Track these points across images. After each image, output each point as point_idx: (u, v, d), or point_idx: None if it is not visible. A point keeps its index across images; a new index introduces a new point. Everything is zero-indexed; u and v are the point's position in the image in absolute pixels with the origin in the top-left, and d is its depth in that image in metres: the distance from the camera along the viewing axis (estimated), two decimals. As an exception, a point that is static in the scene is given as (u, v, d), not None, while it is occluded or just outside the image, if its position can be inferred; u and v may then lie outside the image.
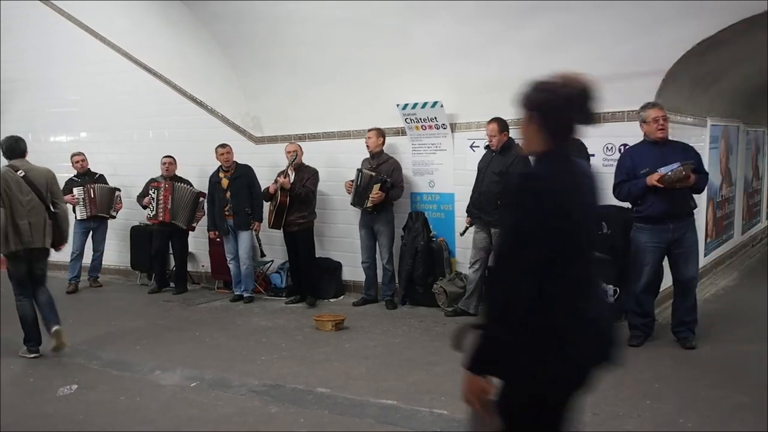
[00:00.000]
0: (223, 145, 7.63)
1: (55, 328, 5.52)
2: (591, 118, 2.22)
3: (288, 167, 7.25)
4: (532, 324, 2.10)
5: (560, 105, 2.20)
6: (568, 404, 2.27)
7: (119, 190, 8.67)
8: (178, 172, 8.28)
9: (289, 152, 7.30)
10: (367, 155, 7.14)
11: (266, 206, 7.56)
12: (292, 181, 7.19)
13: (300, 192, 7.14)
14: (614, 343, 2.30)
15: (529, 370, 2.15)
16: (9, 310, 6.01)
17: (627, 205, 5.63)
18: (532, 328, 2.11)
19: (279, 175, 7.32)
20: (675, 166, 5.06)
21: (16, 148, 5.66)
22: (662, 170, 5.08)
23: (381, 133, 7.11)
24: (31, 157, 10.04)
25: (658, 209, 5.21)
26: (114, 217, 8.73)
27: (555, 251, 2.10)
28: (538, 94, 2.25)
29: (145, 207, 8.22)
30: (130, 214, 8.88)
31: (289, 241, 7.46)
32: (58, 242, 5.67)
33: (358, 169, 7.05)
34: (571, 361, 2.16)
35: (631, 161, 5.37)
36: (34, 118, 10.08)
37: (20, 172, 5.47)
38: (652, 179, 5.10)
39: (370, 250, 7.22)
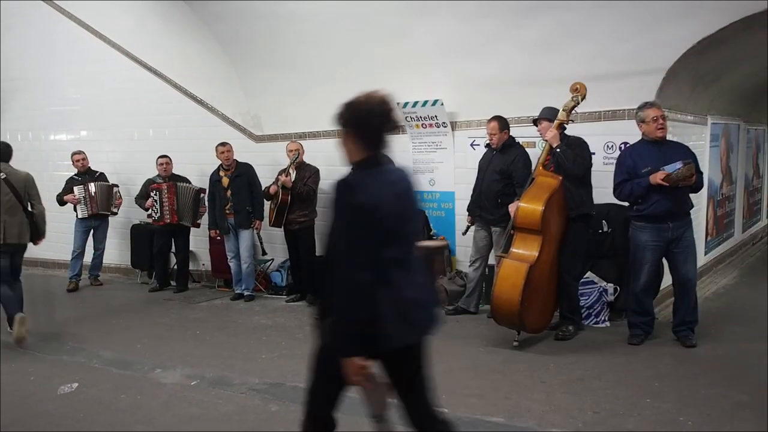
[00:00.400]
0: (223, 144, 7.63)
1: (19, 315, 5.87)
2: (394, 125, 2.68)
3: (289, 166, 7.25)
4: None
5: (367, 119, 2.62)
6: (407, 364, 2.79)
7: (117, 185, 8.67)
8: (179, 170, 8.28)
9: (291, 151, 7.30)
10: None
11: (267, 204, 7.56)
12: (293, 179, 7.19)
13: (301, 191, 7.14)
14: (434, 317, 2.87)
15: (365, 339, 2.56)
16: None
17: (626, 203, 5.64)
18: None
19: (280, 173, 7.33)
20: (678, 165, 5.07)
21: (5, 152, 6.20)
22: (667, 169, 5.08)
23: None
24: (30, 155, 10.11)
25: (661, 208, 5.21)
26: (116, 213, 8.74)
27: (371, 243, 2.55)
28: (348, 113, 2.66)
29: (146, 209, 8.21)
30: (130, 213, 8.88)
31: (290, 240, 7.46)
32: (36, 237, 6.20)
33: None
34: (395, 332, 2.60)
35: (632, 160, 5.37)
36: (35, 116, 10.11)
37: (2, 174, 5.94)
38: (657, 178, 5.10)
39: None
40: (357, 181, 2.64)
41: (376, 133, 2.65)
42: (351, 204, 2.58)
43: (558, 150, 5.41)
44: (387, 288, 2.57)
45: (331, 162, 7.58)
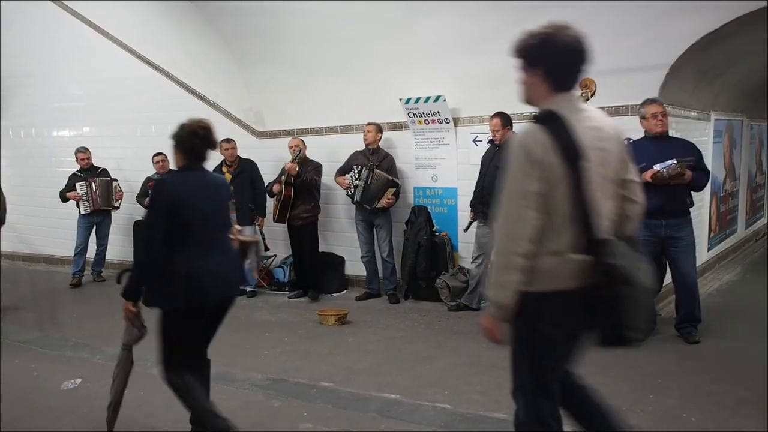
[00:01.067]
0: (227, 140, 7.63)
1: None
2: (208, 145, 3.61)
3: (292, 162, 7.21)
4: (162, 270, 3.35)
5: (185, 137, 3.56)
6: (203, 321, 3.57)
7: (116, 180, 8.68)
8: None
9: (292, 147, 7.29)
10: (361, 148, 7.16)
11: (269, 201, 7.56)
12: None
13: (305, 178, 7.11)
14: (229, 287, 3.62)
15: (167, 298, 3.40)
16: (9, 306, 6.03)
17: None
18: (161, 273, 3.36)
19: (283, 167, 7.29)
20: (671, 162, 5.05)
21: None
22: (657, 167, 5.08)
23: (379, 128, 7.11)
24: (33, 152, 10.12)
25: (652, 204, 5.18)
26: (117, 208, 8.75)
27: (172, 228, 3.34)
28: (176, 132, 3.58)
29: (145, 206, 8.21)
30: (132, 209, 8.88)
31: (293, 236, 7.45)
32: None
33: (364, 168, 7.01)
34: (188, 294, 3.36)
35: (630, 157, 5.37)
36: (38, 112, 10.12)
37: None
38: (647, 175, 5.11)
39: (369, 244, 7.22)
40: (167, 180, 3.67)
41: (191, 148, 3.55)
42: (159, 197, 3.48)
43: None
44: (181, 261, 3.37)
45: (333, 158, 7.58)
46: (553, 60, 2.57)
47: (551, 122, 2.45)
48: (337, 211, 7.82)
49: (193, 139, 3.54)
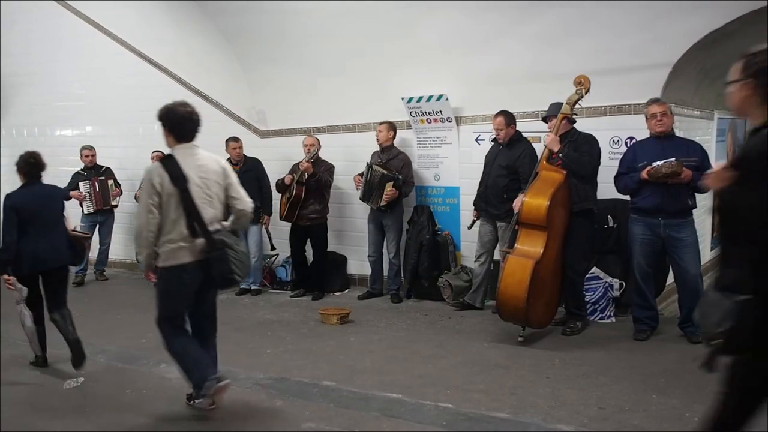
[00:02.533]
0: (235, 139, 7.62)
1: None
2: (41, 168, 5.17)
3: (305, 160, 7.16)
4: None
5: (21, 164, 5.11)
6: (37, 281, 5.14)
7: (111, 179, 8.71)
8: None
9: (307, 145, 7.22)
10: (376, 148, 7.12)
11: (276, 198, 7.55)
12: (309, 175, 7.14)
13: (320, 177, 7.09)
14: (58, 259, 5.12)
15: (16, 268, 4.96)
16: (10, 303, 6.00)
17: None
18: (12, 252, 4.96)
19: (294, 168, 7.27)
20: (669, 161, 5.03)
21: None
22: (655, 164, 5.07)
23: (392, 127, 7.06)
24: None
25: (649, 202, 5.23)
26: (116, 206, 8.78)
27: (13, 225, 4.92)
28: (17, 161, 5.15)
29: (137, 199, 8.29)
30: (134, 208, 8.88)
31: (299, 235, 7.42)
32: None
33: (368, 164, 7.00)
34: (28, 264, 4.98)
35: (633, 155, 5.39)
36: (40, 111, 10.13)
37: None
38: (643, 173, 5.12)
39: (377, 244, 7.20)
40: (13, 192, 5.07)
41: (26, 171, 5.10)
42: (6, 204, 4.99)
43: (560, 155, 5.37)
44: (25, 243, 4.92)
45: (335, 157, 7.57)
46: (173, 123, 4.06)
47: (167, 161, 4.02)
48: (340, 210, 7.81)
49: (26, 165, 5.11)
